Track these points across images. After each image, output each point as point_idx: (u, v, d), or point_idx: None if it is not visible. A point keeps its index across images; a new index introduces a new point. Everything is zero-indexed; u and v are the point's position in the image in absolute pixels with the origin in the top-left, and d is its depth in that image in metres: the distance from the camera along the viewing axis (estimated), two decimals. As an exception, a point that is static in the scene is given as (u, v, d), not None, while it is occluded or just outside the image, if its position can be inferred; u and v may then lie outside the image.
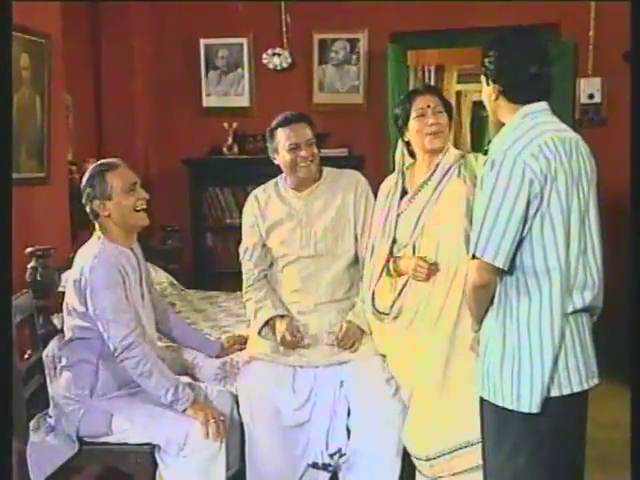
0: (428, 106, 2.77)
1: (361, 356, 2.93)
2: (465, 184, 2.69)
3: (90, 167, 2.85)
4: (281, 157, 3.01)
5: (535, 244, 2.08)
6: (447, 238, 2.68)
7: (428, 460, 2.70)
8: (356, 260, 3.05)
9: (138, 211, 2.79)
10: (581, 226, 2.11)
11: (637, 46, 2.54)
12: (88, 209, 2.78)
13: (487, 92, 2.23)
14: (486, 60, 2.20)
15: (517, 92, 2.16)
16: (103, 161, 2.85)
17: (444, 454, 2.66)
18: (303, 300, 3.03)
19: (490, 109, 2.26)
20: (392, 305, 2.80)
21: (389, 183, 2.92)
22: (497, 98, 2.19)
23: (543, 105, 2.17)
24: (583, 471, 2.27)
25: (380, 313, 2.84)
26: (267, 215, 3.09)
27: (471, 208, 2.61)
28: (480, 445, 2.52)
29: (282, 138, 2.98)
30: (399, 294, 2.79)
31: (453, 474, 2.68)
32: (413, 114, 2.79)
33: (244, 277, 3.17)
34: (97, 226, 2.80)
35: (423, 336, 2.71)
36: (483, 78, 2.24)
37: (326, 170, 3.12)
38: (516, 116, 2.16)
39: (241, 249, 3.18)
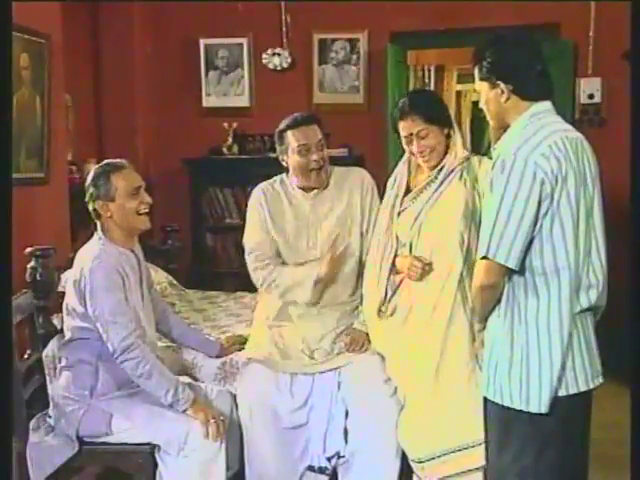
0: (411, 134, 2.72)
1: (359, 357, 2.92)
2: (465, 187, 2.68)
3: (96, 166, 2.83)
4: (291, 160, 2.97)
5: (545, 244, 2.08)
6: (442, 240, 2.68)
7: (420, 462, 2.70)
8: (361, 262, 3.01)
9: (140, 214, 2.79)
10: (587, 225, 2.12)
11: (637, 46, 2.54)
12: (90, 208, 2.78)
13: (493, 95, 2.19)
14: (486, 62, 2.17)
15: (529, 89, 2.15)
16: (109, 161, 2.83)
17: (435, 457, 2.65)
18: (308, 305, 2.99)
19: (495, 112, 2.22)
20: (388, 302, 2.80)
21: (393, 177, 2.90)
22: (508, 98, 2.16)
23: (548, 105, 2.17)
24: (587, 472, 2.27)
25: (379, 310, 2.84)
26: (274, 211, 3.04)
27: (469, 211, 2.62)
28: (471, 449, 2.55)
29: (292, 140, 2.94)
30: (394, 292, 2.79)
31: (444, 477, 2.67)
32: (402, 138, 2.77)
33: (260, 272, 3.02)
34: (98, 226, 2.80)
35: (416, 336, 2.71)
36: (484, 83, 2.20)
37: (332, 169, 3.07)
38: (523, 116, 2.15)
39: (249, 244, 3.06)
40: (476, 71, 2.23)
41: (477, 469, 2.61)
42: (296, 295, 2.96)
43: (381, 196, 3.02)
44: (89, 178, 2.79)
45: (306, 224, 3.01)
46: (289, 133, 2.95)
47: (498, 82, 2.17)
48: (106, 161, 2.85)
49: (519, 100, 2.16)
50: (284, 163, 3.03)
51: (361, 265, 3.01)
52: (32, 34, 3.73)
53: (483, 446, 2.47)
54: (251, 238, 3.09)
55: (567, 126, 2.19)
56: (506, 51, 2.18)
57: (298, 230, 3.02)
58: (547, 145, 2.06)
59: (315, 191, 3.03)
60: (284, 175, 3.11)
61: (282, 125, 2.99)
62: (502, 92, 2.17)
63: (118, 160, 2.84)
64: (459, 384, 2.59)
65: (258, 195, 3.08)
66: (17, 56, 3.59)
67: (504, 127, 2.23)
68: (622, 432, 2.54)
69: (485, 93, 2.22)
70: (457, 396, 2.59)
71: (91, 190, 2.76)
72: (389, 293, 2.80)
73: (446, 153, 2.75)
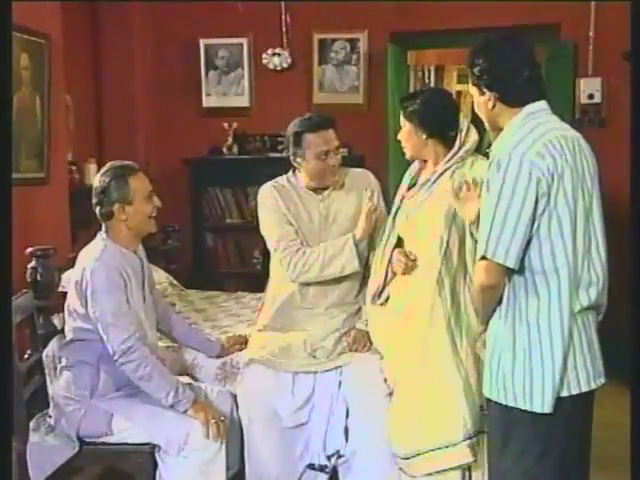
0: (400, 127, 2.81)
1: (360, 356, 2.93)
2: (452, 188, 2.68)
3: (108, 168, 2.77)
4: (308, 163, 2.94)
5: (543, 243, 2.08)
6: (424, 239, 2.71)
7: (406, 459, 2.70)
8: (367, 262, 3.00)
9: (151, 218, 2.80)
10: (586, 224, 2.12)
11: (637, 46, 2.55)
12: (104, 210, 2.74)
13: (482, 101, 2.22)
14: (476, 69, 2.20)
15: (515, 96, 2.17)
16: (123, 164, 2.79)
17: (420, 454, 2.65)
18: (315, 305, 3.00)
19: (487, 117, 2.25)
20: (381, 292, 2.84)
21: (412, 168, 2.92)
22: (495, 105, 2.19)
23: (543, 105, 2.18)
24: (589, 472, 2.28)
25: (374, 297, 2.88)
26: (289, 209, 2.99)
27: (451, 214, 2.63)
28: (452, 447, 2.57)
29: (312, 144, 2.90)
30: (389, 282, 2.82)
31: (427, 474, 2.67)
32: None
33: (291, 258, 2.90)
34: (104, 227, 2.79)
35: (401, 329, 2.73)
36: (474, 89, 2.23)
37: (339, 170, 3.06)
38: (518, 117, 2.16)
39: (274, 236, 2.96)
40: (469, 76, 2.27)
41: (459, 466, 2.63)
42: (337, 267, 2.89)
43: (385, 198, 3.06)
44: (103, 180, 2.74)
45: (316, 224, 2.99)
46: (308, 136, 2.91)
47: (484, 90, 2.20)
48: (118, 163, 2.80)
49: (506, 106, 2.19)
50: (296, 164, 3.00)
51: (367, 265, 3.00)
52: (32, 34, 3.73)
53: (463, 444, 2.54)
54: (275, 230, 2.98)
55: (563, 125, 2.20)
56: (493, 59, 2.19)
57: (309, 230, 2.99)
58: (542, 144, 2.07)
59: (325, 192, 3.02)
60: (290, 174, 3.08)
61: (298, 126, 2.94)
62: (489, 99, 2.20)
63: (129, 162, 2.82)
64: (444, 382, 2.61)
65: (271, 191, 3.03)
66: (17, 56, 3.59)
67: (498, 129, 2.25)
68: (622, 432, 2.53)
69: (476, 98, 2.26)
70: (441, 393, 2.60)
71: (109, 192, 2.71)
72: (386, 281, 2.83)
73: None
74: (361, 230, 2.89)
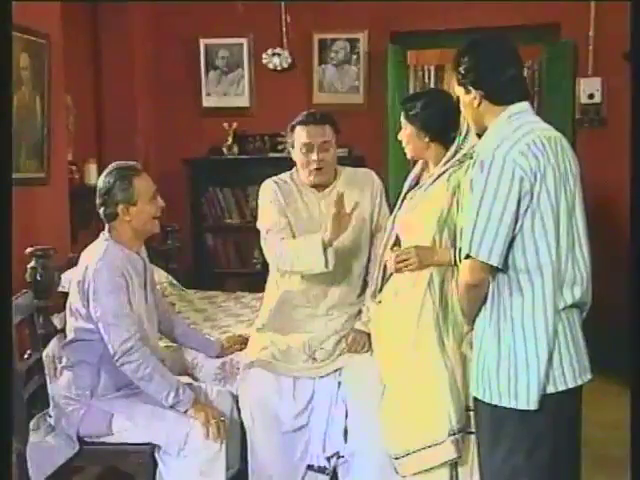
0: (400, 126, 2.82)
1: (359, 357, 2.92)
2: (446, 192, 2.69)
3: (112, 169, 2.77)
4: (295, 155, 3.00)
5: (527, 241, 2.10)
6: (417, 240, 2.72)
7: (397, 459, 2.70)
8: (369, 261, 3.02)
9: (154, 218, 2.80)
10: (569, 222, 2.15)
11: (637, 46, 2.55)
12: (108, 211, 2.74)
13: (468, 100, 2.24)
14: (461, 68, 2.22)
15: (500, 94, 2.19)
16: (127, 164, 2.80)
17: (410, 453, 2.65)
18: (316, 305, 3.00)
19: (473, 117, 2.27)
20: (380, 290, 2.86)
21: (416, 168, 2.93)
22: (480, 104, 2.21)
23: (525, 105, 2.21)
24: (580, 469, 2.28)
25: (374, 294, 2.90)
26: (288, 204, 3.00)
27: (444, 217, 2.66)
28: (441, 445, 2.58)
29: (297, 137, 2.95)
30: (387, 280, 2.84)
31: (416, 473, 2.68)
32: None
33: (273, 249, 2.93)
34: (107, 227, 2.78)
35: (393, 327, 2.74)
36: (460, 88, 2.26)
37: (341, 169, 3.07)
38: (502, 116, 2.19)
39: (266, 224, 2.98)
40: (454, 76, 2.28)
41: (445, 464, 2.63)
42: (307, 264, 2.84)
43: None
44: (107, 181, 2.73)
45: (317, 222, 2.97)
46: (298, 128, 2.97)
47: (470, 88, 2.22)
48: (122, 164, 2.80)
49: (491, 105, 2.21)
50: (292, 155, 3.04)
51: (369, 265, 3.01)
52: (32, 34, 3.73)
53: (448, 440, 2.56)
54: (268, 218, 2.99)
55: (545, 125, 2.22)
56: (478, 57, 2.22)
57: (308, 227, 2.98)
58: (525, 143, 2.10)
59: (326, 190, 3.02)
60: (293, 171, 3.10)
61: (296, 119, 3.00)
62: (475, 97, 2.22)
63: (133, 163, 2.83)
64: (429, 382, 2.62)
65: (271, 186, 3.05)
66: (17, 56, 3.58)
67: (483, 129, 2.28)
68: (622, 432, 2.54)
69: (462, 98, 2.28)
70: (428, 392, 2.61)
71: (113, 193, 2.71)
72: (383, 279, 2.85)
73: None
74: (328, 233, 2.79)
